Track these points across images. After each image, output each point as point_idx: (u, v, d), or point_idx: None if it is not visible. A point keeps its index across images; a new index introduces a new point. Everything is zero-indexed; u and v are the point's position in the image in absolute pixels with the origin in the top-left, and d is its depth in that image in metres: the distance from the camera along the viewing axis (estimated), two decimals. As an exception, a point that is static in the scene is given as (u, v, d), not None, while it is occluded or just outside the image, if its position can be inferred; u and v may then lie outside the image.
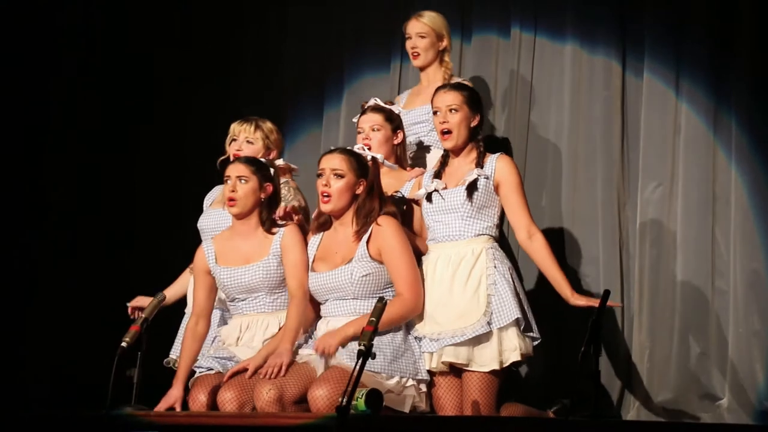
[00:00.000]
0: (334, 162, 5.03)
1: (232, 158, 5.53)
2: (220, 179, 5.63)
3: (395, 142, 5.46)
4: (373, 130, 5.43)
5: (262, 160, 5.29)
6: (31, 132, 6.63)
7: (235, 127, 5.63)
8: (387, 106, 5.53)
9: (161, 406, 5.00)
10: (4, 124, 6.57)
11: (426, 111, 5.60)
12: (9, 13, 6.58)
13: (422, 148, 5.74)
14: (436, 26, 5.83)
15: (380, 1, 5.79)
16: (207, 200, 5.77)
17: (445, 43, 5.85)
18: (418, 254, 5.10)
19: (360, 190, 5.02)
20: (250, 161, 5.21)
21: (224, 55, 6.95)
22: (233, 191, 5.12)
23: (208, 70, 6.93)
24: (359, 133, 5.48)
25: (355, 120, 5.61)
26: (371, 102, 5.57)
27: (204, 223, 5.59)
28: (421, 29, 5.82)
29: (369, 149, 5.21)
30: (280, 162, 5.39)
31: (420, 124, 5.70)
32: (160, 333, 5.08)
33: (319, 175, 5.05)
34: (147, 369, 4.79)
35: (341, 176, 5.00)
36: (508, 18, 6.23)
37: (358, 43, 6.53)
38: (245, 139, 5.58)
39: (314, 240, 5.14)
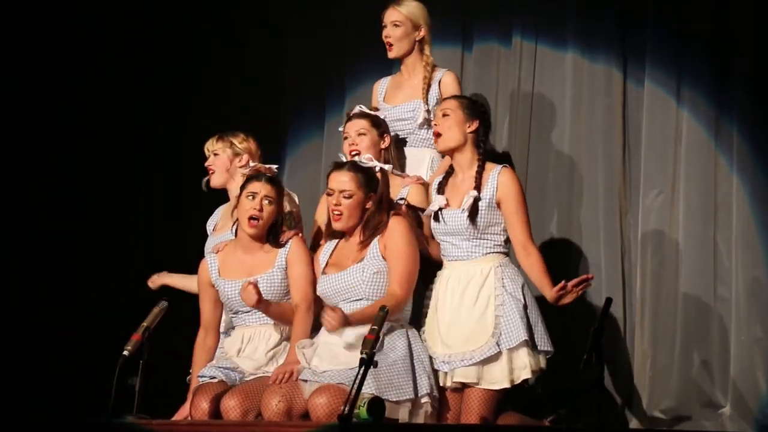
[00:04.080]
0: (342, 183, 5.05)
1: (209, 173, 5.60)
2: (217, 199, 5.64)
3: (382, 146, 5.39)
4: (359, 134, 5.40)
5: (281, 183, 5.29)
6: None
7: (205, 145, 5.67)
8: (372, 112, 5.51)
9: (177, 419, 5.05)
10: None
11: (410, 108, 5.60)
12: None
13: (406, 146, 5.66)
14: (413, 15, 5.64)
15: (381, 8, 5.76)
16: (209, 224, 5.76)
17: (422, 33, 5.65)
18: (426, 258, 5.14)
19: (370, 204, 5.04)
20: (277, 183, 5.21)
21: (225, 65, 6.95)
22: (260, 210, 5.12)
23: (208, 78, 6.93)
24: (345, 139, 5.45)
25: (341, 129, 5.59)
26: (356, 109, 5.54)
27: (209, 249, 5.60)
28: (396, 17, 5.64)
29: (359, 155, 5.22)
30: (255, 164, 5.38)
31: (404, 121, 5.62)
32: (162, 342, 5.07)
33: (329, 194, 5.09)
34: (148, 378, 4.78)
35: (350, 197, 5.02)
36: (509, 26, 6.23)
37: (360, 52, 6.53)
38: (212, 152, 5.61)
39: (328, 246, 5.18)
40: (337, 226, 5.08)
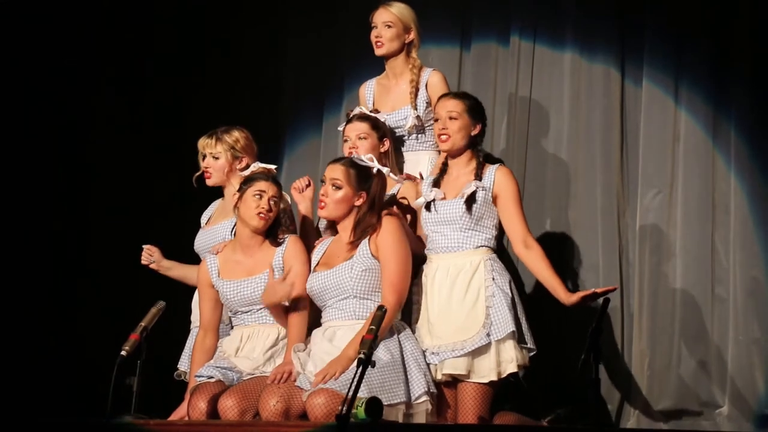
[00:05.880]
0: (335, 172, 5.06)
1: (205, 174, 5.56)
2: (215, 194, 5.64)
3: (382, 150, 5.39)
4: (360, 138, 5.39)
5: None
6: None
7: (200, 143, 5.60)
8: (373, 115, 5.50)
9: (174, 419, 5.06)
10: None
11: (402, 116, 5.60)
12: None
13: (403, 150, 5.67)
14: (404, 17, 5.65)
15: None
16: (204, 217, 5.75)
17: (412, 36, 5.66)
18: (420, 258, 5.14)
19: (359, 202, 5.05)
20: (278, 183, 5.24)
21: (224, 63, 6.96)
22: (269, 211, 5.15)
23: (208, 77, 6.94)
24: (345, 141, 5.45)
25: (340, 128, 5.60)
26: (357, 110, 5.54)
27: (199, 243, 5.60)
28: (388, 18, 5.64)
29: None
30: (255, 165, 5.38)
31: (396, 128, 5.61)
32: (160, 342, 5.07)
33: (322, 181, 5.10)
34: (146, 378, 4.78)
35: (339, 187, 5.03)
36: (507, 26, 6.23)
37: (358, 50, 6.52)
38: (210, 154, 5.56)
39: (323, 244, 5.19)
40: (320, 213, 5.10)
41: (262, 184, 5.18)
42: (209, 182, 5.60)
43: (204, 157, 5.59)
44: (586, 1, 6.06)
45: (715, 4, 5.74)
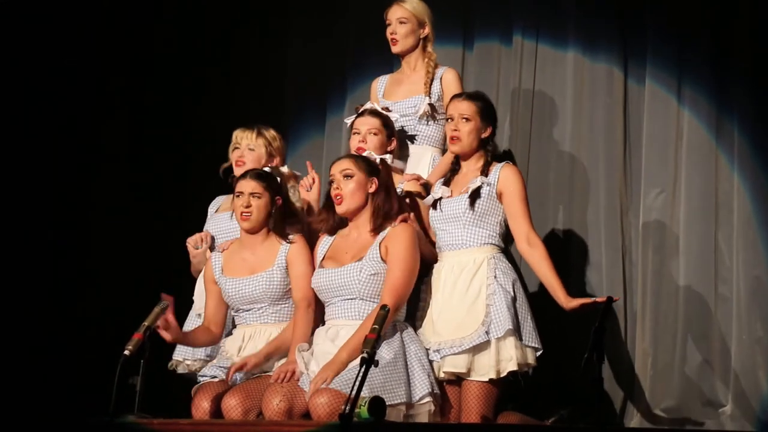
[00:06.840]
0: (343, 164, 5.08)
1: (234, 165, 5.56)
2: (223, 187, 5.64)
3: (389, 149, 5.39)
4: (370, 133, 5.39)
5: (268, 169, 5.30)
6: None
7: (237, 134, 5.63)
8: (385, 112, 5.50)
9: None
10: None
11: (413, 104, 5.60)
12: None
13: (407, 143, 5.66)
14: (418, 12, 5.66)
15: (382, 7, 5.77)
16: (212, 207, 5.78)
17: (427, 30, 5.67)
18: (430, 263, 5.14)
19: (372, 188, 5.05)
20: (261, 176, 5.23)
21: (227, 63, 6.95)
22: (248, 207, 5.15)
23: (211, 77, 6.93)
24: (355, 134, 5.44)
25: (347, 121, 5.59)
26: (368, 105, 5.54)
27: (210, 228, 5.60)
28: (401, 14, 5.65)
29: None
30: (284, 169, 5.41)
31: (405, 117, 5.62)
32: (163, 341, 5.06)
33: (331, 182, 5.09)
34: (150, 377, 4.78)
35: (351, 176, 5.03)
36: (510, 25, 6.23)
37: (361, 49, 6.53)
38: (247, 146, 5.59)
39: (326, 240, 5.18)
40: (339, 210, 5.07)
41: (240, 184, 5.23)
42: (240, 173, 5.57)
43: (236, 148, 5.60)
44: (586, 1, 6.06)
45: (715, 4, 5.75)
